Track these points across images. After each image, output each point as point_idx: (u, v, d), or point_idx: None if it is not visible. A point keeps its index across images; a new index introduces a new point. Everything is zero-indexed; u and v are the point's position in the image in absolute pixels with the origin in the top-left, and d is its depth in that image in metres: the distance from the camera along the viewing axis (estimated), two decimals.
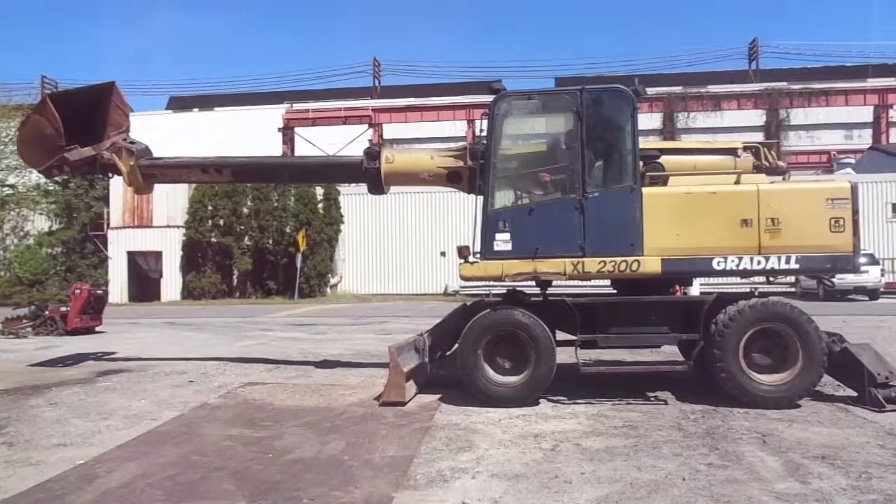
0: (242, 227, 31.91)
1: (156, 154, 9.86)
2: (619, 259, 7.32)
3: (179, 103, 55.85)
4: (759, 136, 36.52)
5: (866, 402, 7.03)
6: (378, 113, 42.85)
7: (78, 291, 15.97)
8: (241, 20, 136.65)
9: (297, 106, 44.63)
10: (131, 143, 9.68)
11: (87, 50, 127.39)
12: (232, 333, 15.97)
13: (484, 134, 7.78)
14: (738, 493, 4.61)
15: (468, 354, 7.39)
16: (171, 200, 31.86)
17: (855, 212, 7.18)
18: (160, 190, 30.44)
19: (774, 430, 6.24)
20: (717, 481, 4.85)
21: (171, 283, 32.21)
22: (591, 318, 7.54)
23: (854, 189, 7.26)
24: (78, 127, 9.26)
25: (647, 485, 4.80)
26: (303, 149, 40.78)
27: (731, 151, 8.37)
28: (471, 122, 37.92)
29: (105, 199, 32.59)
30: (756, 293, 7.49)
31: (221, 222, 31.78)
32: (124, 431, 6.58)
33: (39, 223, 34.13)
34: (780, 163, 8.52)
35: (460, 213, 23.64)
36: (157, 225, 32.38)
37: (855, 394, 7.36)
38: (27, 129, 9.62)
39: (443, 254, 30.09)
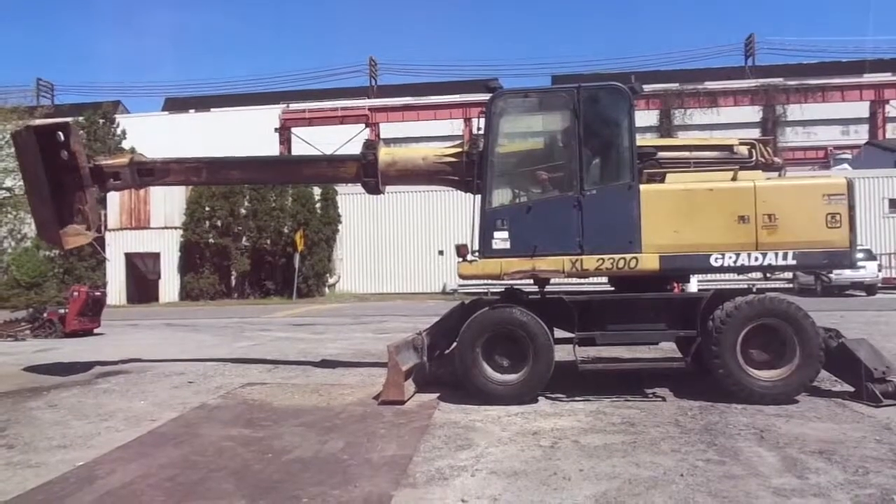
0: (240, 228, 31.87)
1: (151, 156, 9.84)
2: (617, 256, 7.34)
3: (175, 104, 55.91)
4: (755, 133, 36.64)
5: (863, 398, 7.04)
6: (375, 112, 42.89)
7: (76, 293, 15.93)
8: (237, 21, 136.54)
9: (293, 106, 44.67)
10: (115, 176, 9.42)
11: (83, 52, 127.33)
12: (230, 334, 15.96)
13: (481, 132, 7.79)
14: (736, 488, 4.63)
15: (467, 353, 7.40)
16: (169, 202, 31.84)
17: (851, 207, 7.19)
18: (157, 192, 30.64)
19: (772, 425, 6.26)
20: (714, 477, 4.87)
21: (169, 284, 32.17)
22: (589, 316, 7.56)
23: (850, 185, 7.28)
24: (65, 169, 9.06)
25: (646, 481, 4.82)
26: (299, 149, 40.83)
27: (728, 148, 8.39)
28: (468, 120, 37.97)
29: (102, 201, 32.50)
30: (753, 289, 7.52)
31: (219, 223, 31.74)
32: (124, 433, 6.58)
33: None
34: (777, 159, 8.54)
35: (458, 211, 23.64)
36: (154, 226, 32.32)
37: (852, 389, 7.37)
38: None
39: (441, 252, 30.07)
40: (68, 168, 9.03)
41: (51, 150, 8.89)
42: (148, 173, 9.50)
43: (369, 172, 8.82)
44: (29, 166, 8.88)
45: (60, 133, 9.06)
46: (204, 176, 9.69)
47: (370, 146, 9.02)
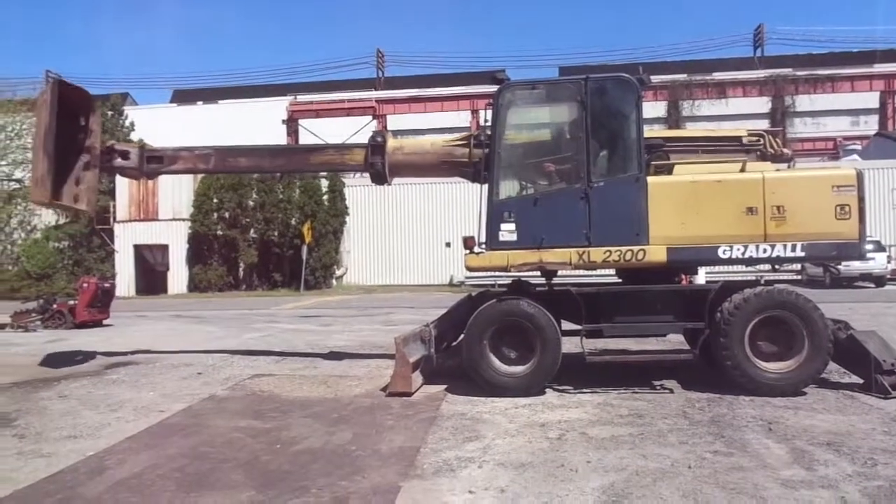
0: (248, 220, 31.95)
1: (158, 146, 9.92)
2: (624, 248, 7.32)
3: (183, 96, 55.93)
4: (764, 124, 36.39)
5: (872, 390, 7.02)
6: (382, 104, 42.84)
7: (86, 285, 16.02)
8: (244, 12, 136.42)
9: (301, 98, 44.69)
10: (124, 156, 9.45)
11: (92, 44, 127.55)
12: (238, 325, 16.03)
13: (488, 124, 7.77)
14: (744, 480, 4.63)
15: (474, 345, 7.41)
16: (177, 194, 31.90)
17: (861, 199, 7.14)
18: (165, 183, 30.72)
19: (780, 417, 6.25)
20: (722, 469, 4.87)
21: (178, 276, 32.28)
22: (597, 308, 7.55)
23: (860, 176, 7.23)
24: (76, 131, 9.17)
25: (653, 473, 4.82)
26: (307, 140, 40.79)
27: (736, 139, 8.34)
28: (475, 112, 37.88)
29: (111, 193, 32.58)
30: (762, 281, 7.49)
31: (227, 215, 31.81)
32: (133, 423, 6.63)
33: (46, 217, 34.12)
34: (786, 150, 8.48)
35: (465, 203, 23.56)
36: (162, 218, 32.40)
37: (861, 381, 7.35)
38: None
39: (448, 244, 30.09)
40: (78, 150, 9.12)
41: (68, 130, 8.95)
42: (157, 160, 9.57)
43: (377, 155, 8.84)
44: (43, 120, 8.92)
45: (82, 118, 9.19)
46: (212, 163, 9.71)
47: (379, 133, 9.10)
